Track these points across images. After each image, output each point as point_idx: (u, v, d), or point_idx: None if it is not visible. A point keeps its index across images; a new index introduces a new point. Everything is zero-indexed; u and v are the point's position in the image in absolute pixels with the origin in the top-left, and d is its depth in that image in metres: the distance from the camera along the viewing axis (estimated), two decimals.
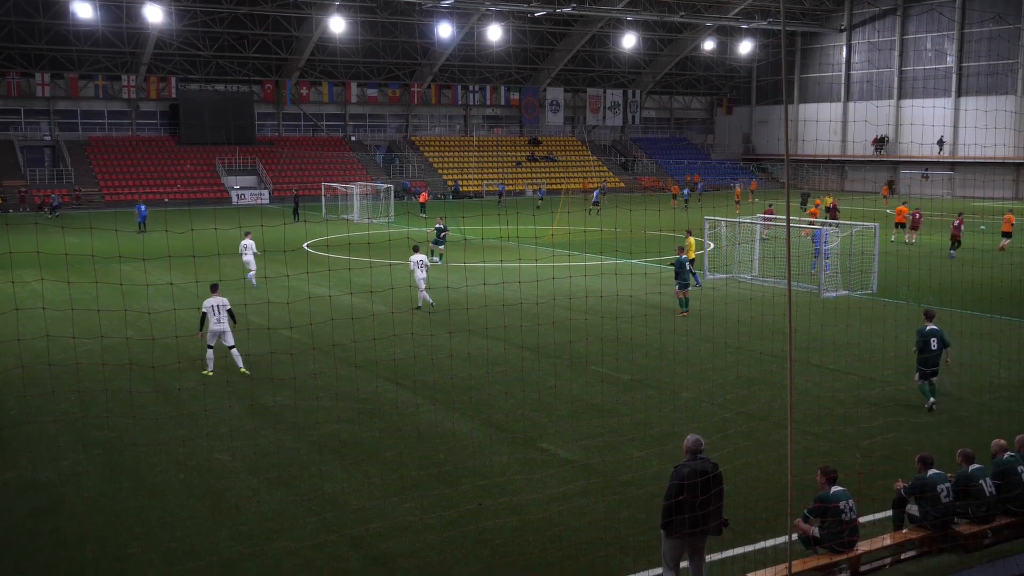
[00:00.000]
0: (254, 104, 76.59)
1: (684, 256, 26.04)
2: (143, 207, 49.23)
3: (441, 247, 35.78)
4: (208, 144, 72.89)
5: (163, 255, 33.59)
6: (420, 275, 26.15)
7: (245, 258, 30.34)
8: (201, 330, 19.37)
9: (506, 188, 73.69)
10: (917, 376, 16.99)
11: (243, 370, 19.47)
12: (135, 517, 12.47)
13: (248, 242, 30.43)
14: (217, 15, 69.32)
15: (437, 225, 36.32)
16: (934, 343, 16.77)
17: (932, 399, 16.91)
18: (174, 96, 73.77)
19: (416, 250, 26.83)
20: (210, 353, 19.53)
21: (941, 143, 74.74)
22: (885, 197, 64.73)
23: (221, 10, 68.60)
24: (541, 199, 66.07)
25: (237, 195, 69.41)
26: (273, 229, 35.51)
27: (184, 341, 20.77)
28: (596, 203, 59.48)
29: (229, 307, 19.41)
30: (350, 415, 16.79)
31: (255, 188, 71.26)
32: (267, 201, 69.65)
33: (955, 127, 76.82)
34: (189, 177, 70.25)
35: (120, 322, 21.39)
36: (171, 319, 21.43)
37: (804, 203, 58.98)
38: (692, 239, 29.40)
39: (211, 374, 19.35)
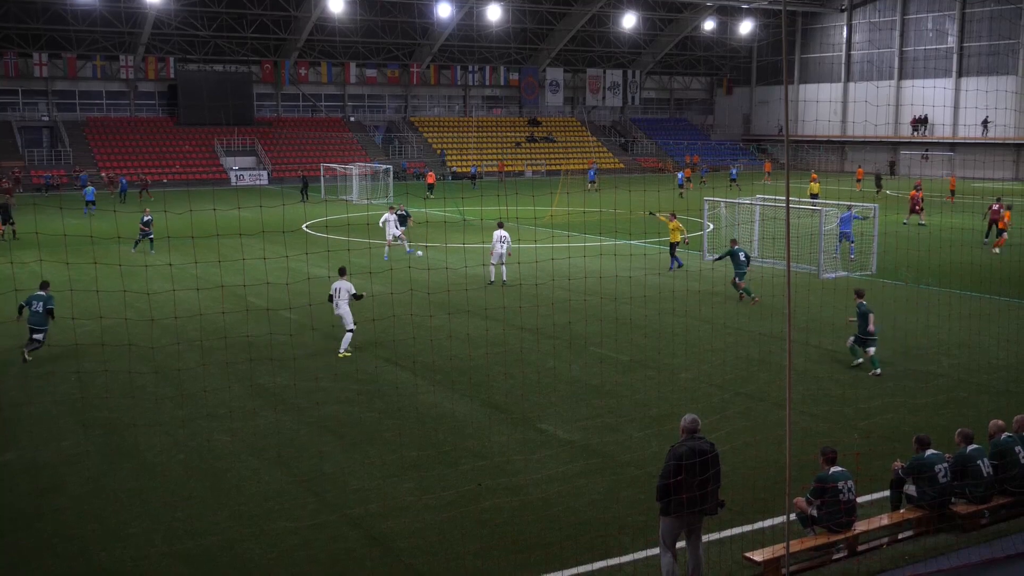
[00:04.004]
0: (253, 85, 76.26)
1: (738, 247, 25.69)
2: (123, 179, 55.84)
3: (404, 228, 35.28)
4: (207, 125, 72.60)
5: (162, 236, 33.58)
6: (499, 250, 27.04)
7: (393, 230, 32.41)
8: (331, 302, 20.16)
9: (479, 170, 72.96)
10: (852, 341, 18.62)
11: (342, 353, 19.65)
12: (136, 497, 12.51)
13: (390, 216, 32.64)
14: None
15: (400, 212, 35.74)
16: (871, 317, 18.39)
17: (877, 370, 18.16)
18: (172, 77, 73.50)
19: (500, 226, 27.59)
20: (348, 336, 19.85)
21: (986, 123, 73.78)
22: (859, 180, 63.97)
23: None
24: (592, 181, 63.90)
25: (236, 176, 69.27)
26: (272, 210, 35.43)
27: (183, 322, 20.76)
28: (681, 186, 59.20)
29: (353, 291, 19.95)
30: (349, 396, 16.83)
31: (254, 169, 71.13)
32: (266, 182, 69.52)
33: (955, 108, 76.63)
34: (188, 158, 70.09)
35: (119, 303, 21.37)
36: (170, 300, 21.41)
37: (879, 183, 59.92)
38: (677, 222, 30.10)
39: (347, 355, 19.68)
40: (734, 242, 26.36)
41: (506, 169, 75.62)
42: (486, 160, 78.05)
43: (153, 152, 69.49)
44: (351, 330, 19.92)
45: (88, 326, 20.83)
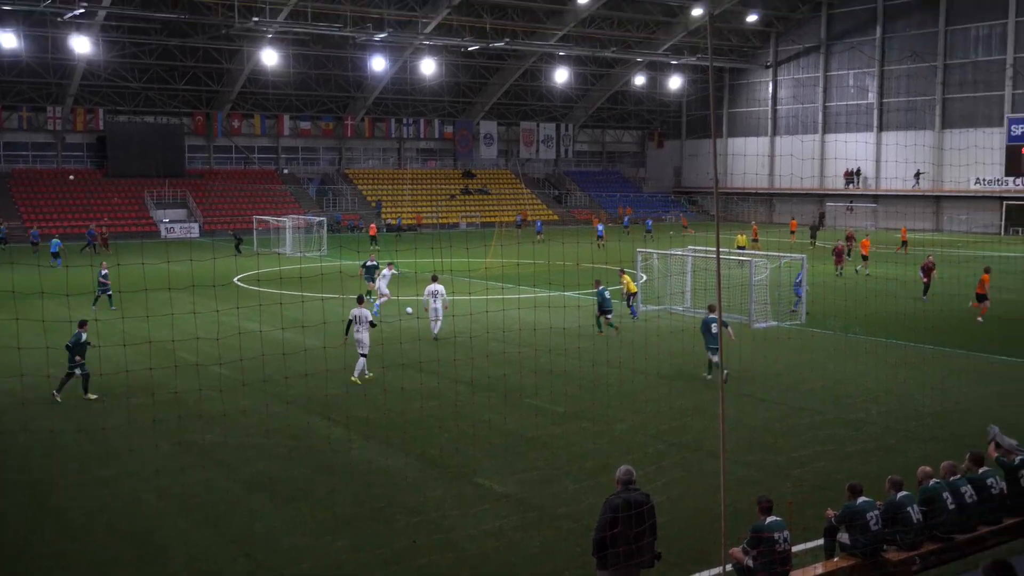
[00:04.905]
0: (184, 136, 75.59)
1: (602, 287, 27.86)
2: (91, 229, 54.72)
3: (372, 283, 34.37)
4: (136, 176, 71.64)
5: (88, 291, 32.84)
6: (434, 304, 26.73)
7: (380, 286, 31.86)
8: (346, 335, 21.99)
9: (403, 222, 73.23)
10: (709, 354, 21.84)
11: (355, 379, 21.53)
12: (57, 561, 12.08)
13: (387, 272, 32.08)
14: (147, 46, 68.46)
15: (370, 263, 34.92)
16: (714, 328, 21.12)
17: (726, 371, 19.89)
18: (101, 128, 72.49)
19: (434, 279, 27.39)
20: (362, 362, 21.65)
21: (918, 176, 75.94)
22: (793, 232, 65.09)
23: (151, 41, 67.78)
24: (540, 232, 64.05)
25: (166, 228, 68.31)
26: (203, 263, 34.95)
27: (109, 379, 20.26)
28: (600, 238, 58.85)
29: (370, 319, 21.88)
30: (281, 452, 16.52)
31: (185, 221, 70.23)
32: (197, 234, 68.64)
33: (877, 161, 79.01)
34: (117, 210, 68.94)
35: (42, 360, 20.79)
36: (96, 356, 20.91)
37: (814, 235, 61.09)
38: (627, 276, 31.13)
39: (358, 381, 21.47)
40: (598, 283, 28.30)
41: (424, 221, 75.88)
42: (423, 212, 78.20)
43: (81, 204, 68.24)
44: (363, 355, 21.65)
45: (9, 383, 20.21)
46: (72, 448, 16.77)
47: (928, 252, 39.32)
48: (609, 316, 27.70)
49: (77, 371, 20.26)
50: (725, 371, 20.71)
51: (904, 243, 53.43)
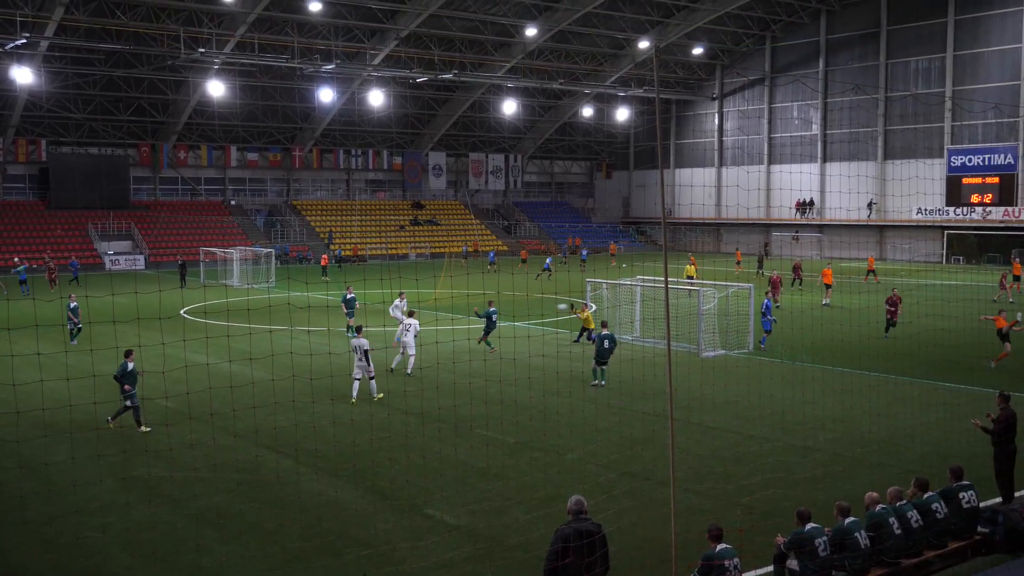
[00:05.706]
0: (129, 168, 74.63)
1: (493, 308, 29.33)
2: (75, 262, 54.36)
3: (352, 319, 33.30)
4: (80, 208, 70.61)
5: (31, 324, 32.23)
6: (407, 339, 26.23)
7: (395, 315, 31.28)
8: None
9: (343, 252, 73.09)
10: (594, 364, 24.39)
11: (379, 396, 22.76)
12: None
13: (399, 303, 31.38)
14: (91, 77, 67.66)
15: (348, 295, 33.86)
16: (607, 343, 24.10)
17: (603, 381, 24.28)
18: (44, 159, 71.41)
19: (411, 315, 26.97)
20: (356, 384, 22.62)
21: (871, 206, 77.00)
22: (738, 263, 65.53)
23: (95, 72, 67.00)
24: (492, 262, 64.41)
25: (111, 260, 67.31)
26: (148, 296, 34.47)
27: (52, 414, 19.85)
28: (547, 269, 57.91)
29: (367, 348, 22.46)
30: (229, 486, 16.29)
31: (130, 253, 69.27)
32: (142, 266, 67.75)
33: (822, 191, 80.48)
34: (60, 242, 67.83)
35: None
36: (38, 391, 20.46)
37: (761, 264, 61.54)
38: (587, 313, 31.55)
39: (354, 402, 22.29)
40: (491, 303, 29.77)
41: (361, 252, 75.64)
42: (367, 243, 77.91)
43: (22, 237, 67.03)
44: (371, 377, 22.62)
45: None
46: (13, 485, 16.38)
47: (892, 285, 39.80)
48: (488, 335, 29.24)
49: (127, 402, 20.10)
50: (603, 382, 23.86)
51: (871, 271, 53.65)
